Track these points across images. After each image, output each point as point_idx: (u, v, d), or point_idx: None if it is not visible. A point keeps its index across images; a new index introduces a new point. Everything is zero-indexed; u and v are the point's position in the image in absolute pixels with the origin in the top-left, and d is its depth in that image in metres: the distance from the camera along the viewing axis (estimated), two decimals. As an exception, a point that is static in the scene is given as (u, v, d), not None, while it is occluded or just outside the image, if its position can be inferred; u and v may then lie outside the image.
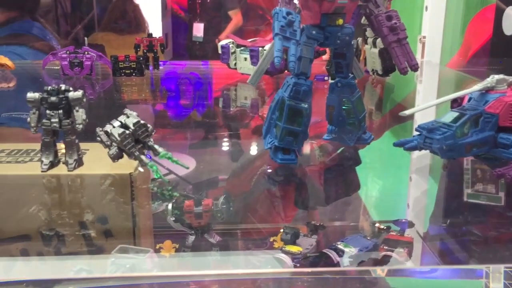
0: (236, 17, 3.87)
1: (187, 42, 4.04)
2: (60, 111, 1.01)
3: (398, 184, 1.22)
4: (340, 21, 1.07)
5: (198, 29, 3.88)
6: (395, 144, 1.14)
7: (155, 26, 3.76)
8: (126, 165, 1.04)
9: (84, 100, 1.03)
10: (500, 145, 1.04)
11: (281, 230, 0.86)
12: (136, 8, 3.51)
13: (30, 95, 1.02)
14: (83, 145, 1.08)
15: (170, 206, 0.93)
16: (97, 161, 1.08)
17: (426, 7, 2.44)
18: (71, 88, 1.03)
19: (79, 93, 1.02)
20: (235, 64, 2.04)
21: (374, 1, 1.12)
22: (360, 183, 1.18)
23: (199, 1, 3.92)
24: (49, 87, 1.02)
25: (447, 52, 2.50)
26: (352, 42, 1.14)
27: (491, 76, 1.08)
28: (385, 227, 0.90)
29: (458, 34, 2.53)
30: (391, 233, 0.88)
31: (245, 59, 1.97)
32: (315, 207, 1.08)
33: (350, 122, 1.19)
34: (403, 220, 0.95)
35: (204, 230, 0.90)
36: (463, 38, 2.46)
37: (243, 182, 1.20)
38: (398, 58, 1.10)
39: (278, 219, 1.02)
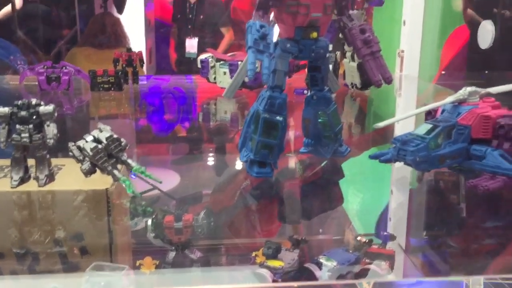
0: (228, 34, 3.83)
1: (179, 57, 3.93)
2: (31, 126, 1.00)
3: (379, 197, 1.22)
4: (314, 34, 1.07)
5: (192, 46, 3.74)
6: (371, 157, 1.14)
7: (139, 41, 3.71)
8: (102, 181, 1.02)
9: (56, 114, 1.02)
10: (473, 157, 1.05)
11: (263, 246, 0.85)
12: (116, 22, 3.44)
13: None
14: (59, 161, 1.06)
15: (149, 222, 0.91)
16: (72, 176, 1.06)
17: (404, 21, 2.47)
18: (42, 103, 1.02)
19: (50, 108, 1.01)
20: (214, 78, 2.04)
21: (348, 14, 1.13)
22: (343, 197, 1.17)
23: (190, 16, 3.85)
24: (19, 102, 1.01)
25: (426, 65, 2.53)
26: (331, 56, 1.15)
27: (463, 88, 1.09)
28: (367, 240, 0.89)
29: (436, 47, 2.56)
30: (373, 246, 0.88)
31: (224, 73, 1.97)
32: (297, 222, 1.07)
33: (326, 135, 1.18)
34: (385, 233, 0.95)
35: (184, 246, 0.88)
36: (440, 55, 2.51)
37: (224, 197, 1.19)
38: (372, 70, 1.11)
39: (260, 234, 1.01)
